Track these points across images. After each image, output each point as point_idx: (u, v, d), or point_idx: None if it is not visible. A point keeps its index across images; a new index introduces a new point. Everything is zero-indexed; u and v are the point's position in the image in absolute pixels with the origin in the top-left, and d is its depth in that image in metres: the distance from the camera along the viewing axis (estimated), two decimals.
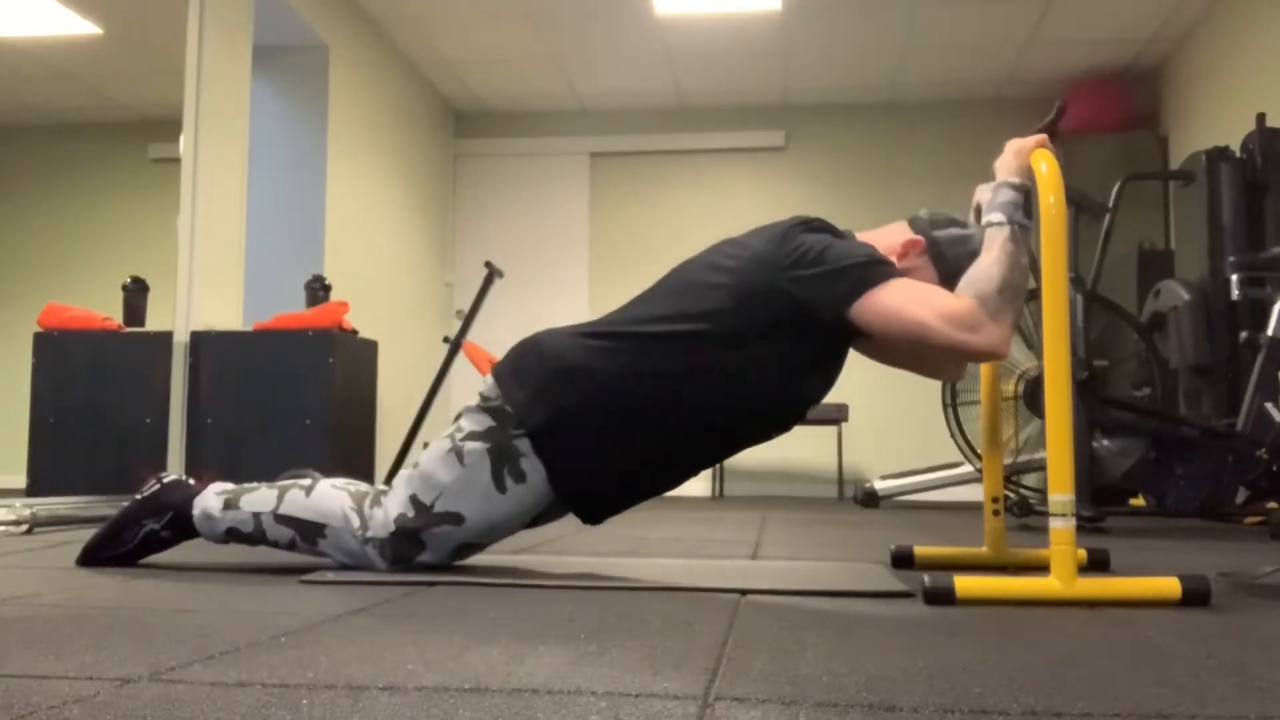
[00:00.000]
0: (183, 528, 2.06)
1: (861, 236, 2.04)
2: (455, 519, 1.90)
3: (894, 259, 1.98)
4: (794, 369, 1.92)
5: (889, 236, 2.04)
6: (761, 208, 6.90)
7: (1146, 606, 1.66)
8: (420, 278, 6.61)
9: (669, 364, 1.88)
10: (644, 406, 1.88)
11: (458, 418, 1.97)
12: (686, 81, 6.63)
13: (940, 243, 2.02)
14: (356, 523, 1.94)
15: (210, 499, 2.03)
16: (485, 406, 1.94)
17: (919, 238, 2.02)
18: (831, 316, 1.86)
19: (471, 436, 1.91)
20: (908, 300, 1.82)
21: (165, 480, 2.09)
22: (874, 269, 1.85)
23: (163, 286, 4.46)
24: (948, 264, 2.00)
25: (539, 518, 2.01)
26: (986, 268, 1.81)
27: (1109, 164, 5.92)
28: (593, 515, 2.00)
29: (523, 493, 1.90)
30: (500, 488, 1.89)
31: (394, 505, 1.93)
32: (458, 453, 1.91)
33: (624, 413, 1.88)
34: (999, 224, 1.84)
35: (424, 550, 1.93)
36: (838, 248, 1.87)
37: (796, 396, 1.95)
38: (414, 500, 1.92)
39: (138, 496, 2.09)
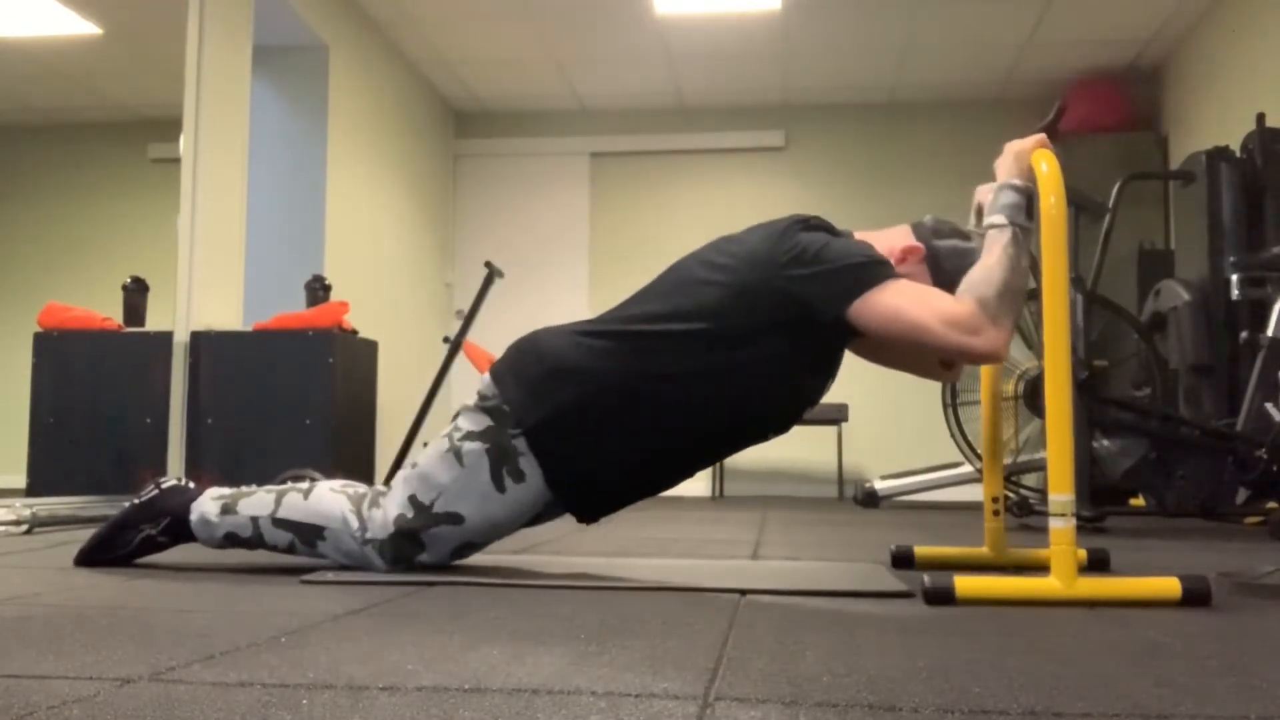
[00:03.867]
0: (180, 533, 2.06)
1: (861, 236, 2.02)
2: (455, 519, 1.90)
3: (893, 261, 1.96)
4: (791, 370, 1.91)
5: (889, 239, 2.02)
6: (761, 208, 6.90)
7: (1146, 606, 1.66)
8: (420, 278, 6.61)
9: (665, 364, 1.88)
10: (640, 406, 1.88)
11: (455, 417, 1.97)
12: (686, 81, 6.63)
13: (940, 252, 1.99)
14: (355, 524, 1.94)
15: (207, 504, 2.03)
16: (483, 406, 1.94)
17: (919, 244, 1.99)
18: (830, 317, 1.84)
19: (470, 436, 1.91)
20: (907, 301, 1.80)
21: (163, 485, 2.09)
22: (873, 269, 1.84)
23: (163, 286, 4.46)
24: (944, 275, 1.97)
25: (538, 516, 2.00)
26: (987, 270, 1.80)
27: (1109, 164, 5.92)
28: (589, 514, 2.00)
29: (521, 492, 1.90)
30: (499, 487, 1.89)
31: (393, 506, 1.93)
32: (456, 453, 1.91)
33: (620, 412, 1.88)
34: (1000, 226, 1.83)
35: (424, 550, 1.93)
36: (836, 246, 1.86)
37: (793, 398, 1.95)
38: (413, 500, 1.91)
39: (135, 501, 2.09)
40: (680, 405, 1.89)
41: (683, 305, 1.90)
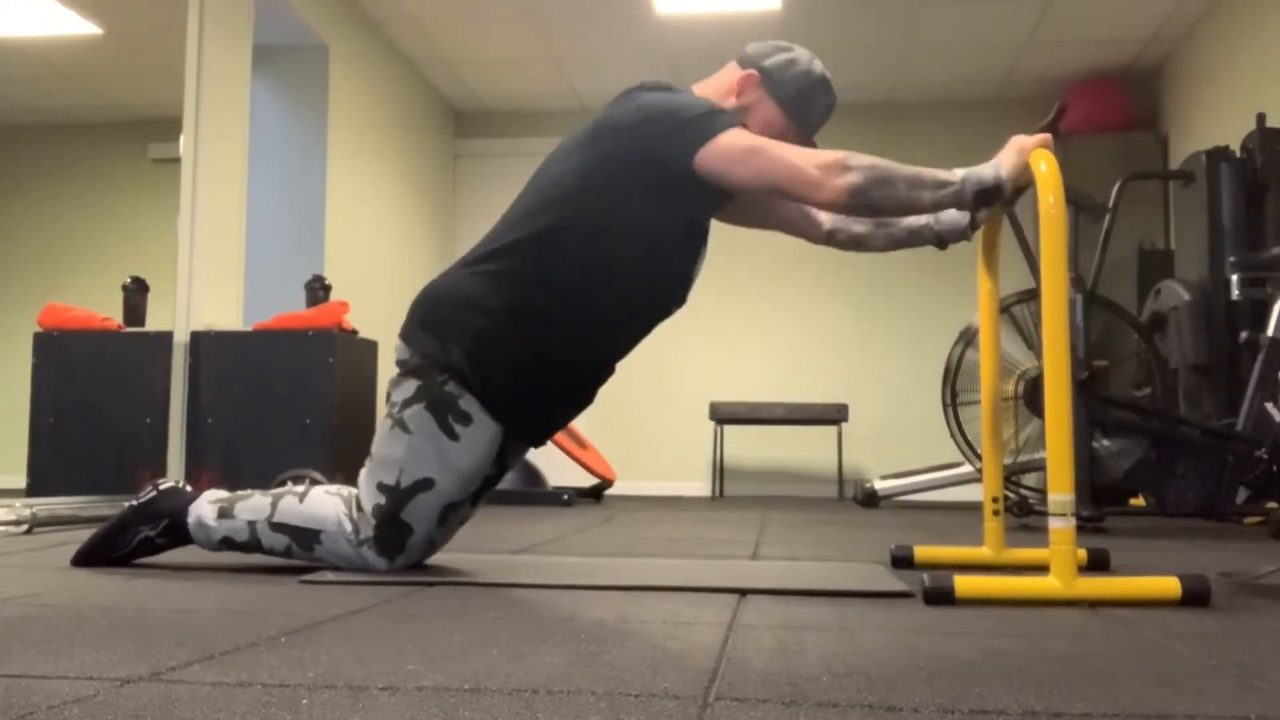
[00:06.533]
0: (177, 535, 2.06)
1: (695, 87, 2.12)
2: (425, 485, 1.92)
3: (733, 98, 2.07)
4: (662, 238, 1.97)
5: (722, 79, 2.12)
6: None
7: (1146, 606, 1.66)
8: (420, 278, 6.61)
9: (547, 263, 1.94)
10: (540, 310, 1.94)
11: (388, 397, 2.00)
12: (687, 81, 6.63)
13: (770, 70, 2.08)
14: (350, 528, 1.95)
15: (205, 507, 2.04)
16: (405, 371, 1.98)
17: (751, 71, 2.08)
18: (682, 167, 1.90)
19: (406, 404, 1.95)
20: (755, 140, 1.87)
21: (161, 487, 2.09)
22: (716, 117, 1.91)
23: (163, 286, 4.47)
24: (782, 88, 2.07)
25: (501, 457, 2.02)
26: (892, 160, 1.84)
27: (1109, 164, 5.92)
28: (536, 434, 2.03)
29: (474, 432, 1.93)
30: (452, 436, 1.92)
31: (367, 500, 1.95)
32: (400, 424, 1.94)
33: (526, 323, 1.94)
34: (954, 175, 1.84)
35: (412, 530, 1.93)
36: (678, 100, 1.94)
37: (671, 267, 2.01)
38: (381, 487, 1.94)
39: (134, 502, 2.09)
40: (572, 299, 1.94)
41: (549, 194, 1.96)
